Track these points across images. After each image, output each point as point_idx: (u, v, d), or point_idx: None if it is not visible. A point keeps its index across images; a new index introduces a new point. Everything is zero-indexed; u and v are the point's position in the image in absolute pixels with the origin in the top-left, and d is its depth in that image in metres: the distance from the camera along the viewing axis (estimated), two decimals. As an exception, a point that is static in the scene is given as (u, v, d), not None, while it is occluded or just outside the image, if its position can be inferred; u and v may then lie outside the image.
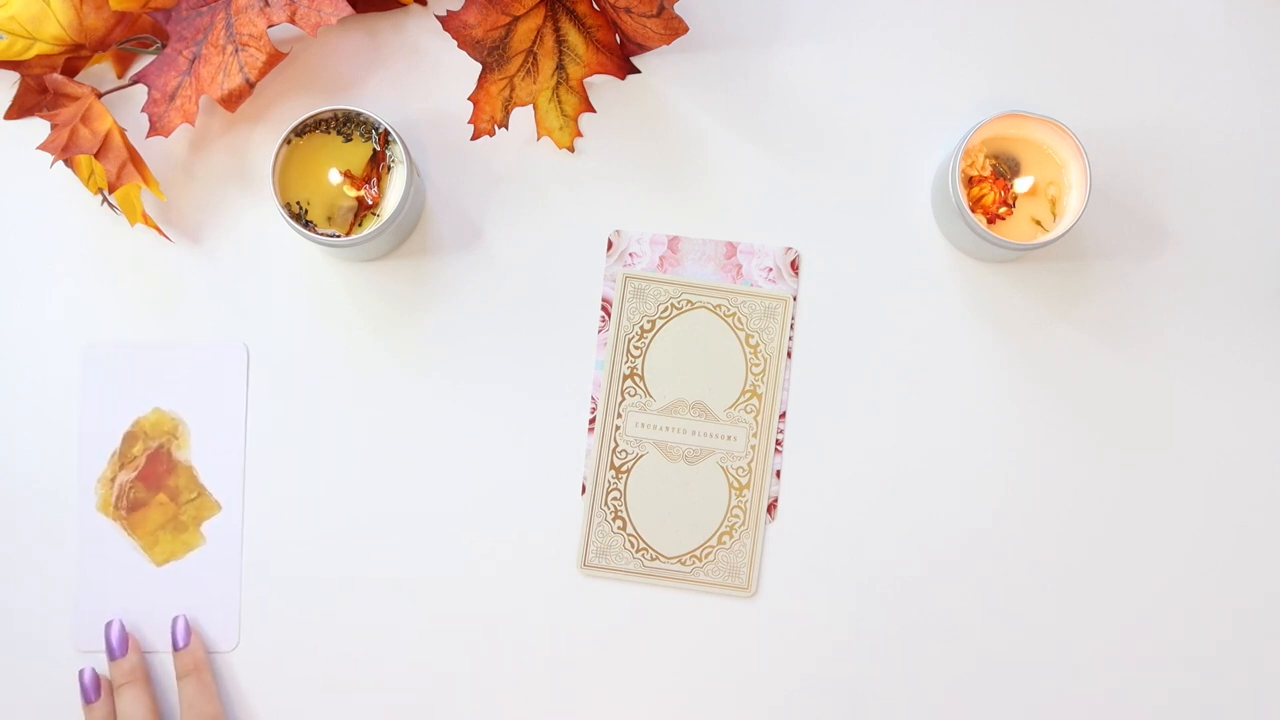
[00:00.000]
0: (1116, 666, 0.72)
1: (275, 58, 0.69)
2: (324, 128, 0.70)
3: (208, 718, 0.69)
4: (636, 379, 0.73)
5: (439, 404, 0.73)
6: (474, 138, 0.72)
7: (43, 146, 0.70)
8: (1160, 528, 0.72)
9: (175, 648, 0.71)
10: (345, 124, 0.70)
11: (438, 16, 0.69)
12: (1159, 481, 0.72)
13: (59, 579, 0.72)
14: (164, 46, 0.72)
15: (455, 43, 0.70)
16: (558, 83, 0.72)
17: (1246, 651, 0.72)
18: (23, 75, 0.73)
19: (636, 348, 0.73)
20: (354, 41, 0.75)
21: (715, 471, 0.73)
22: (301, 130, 0.70)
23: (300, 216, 0.70)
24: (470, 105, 0.74)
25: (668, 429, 0.73)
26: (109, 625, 0.70)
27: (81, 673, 0.70)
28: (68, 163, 0.72)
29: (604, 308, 0.73)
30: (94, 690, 0.69)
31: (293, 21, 0.68)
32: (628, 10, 0.68)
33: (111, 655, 0.70)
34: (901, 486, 0.73)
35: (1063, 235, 0.68)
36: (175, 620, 0.71)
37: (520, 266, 0.74)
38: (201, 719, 0.69)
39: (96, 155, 0.69)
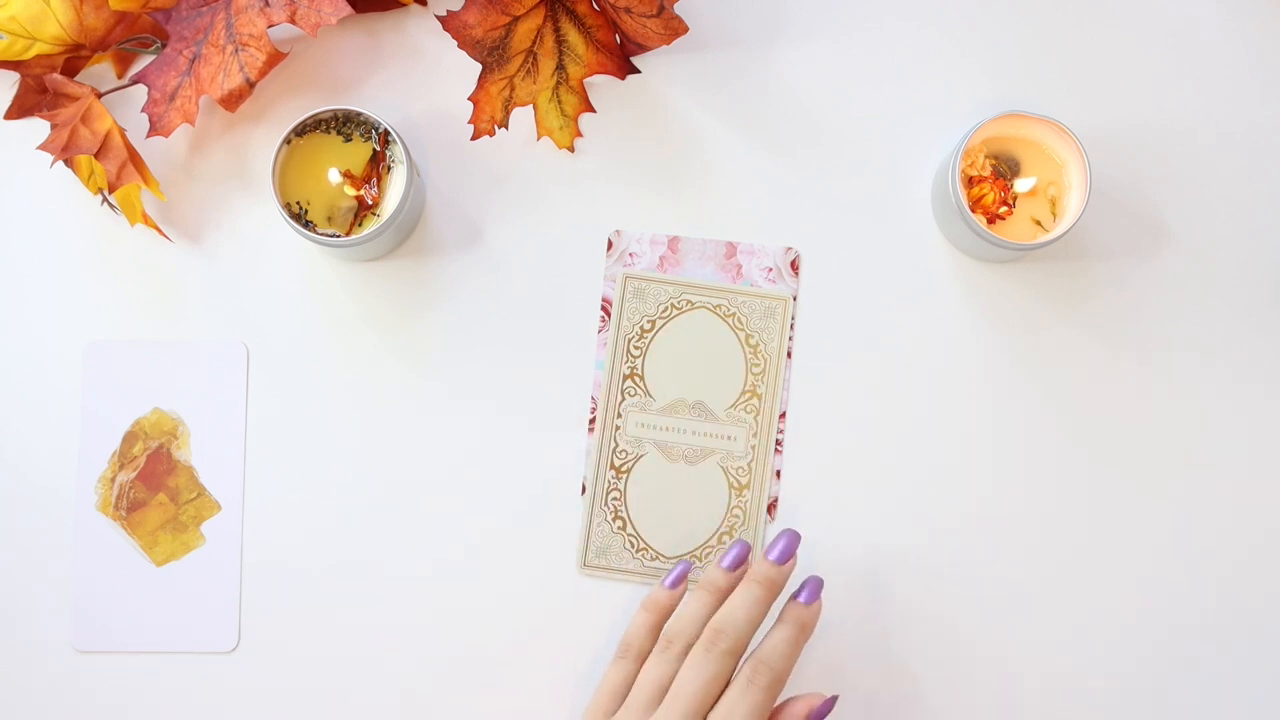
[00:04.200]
0: (1116, 672, 0.72)
1: (275, 58, 0.70)
2: (324, 128, 0.70)
3: (777, 671, 0.61)
4: (636, 379, 0.73)
5: (439, 404, 0.73)
6: (474, 138, 0.72)
7: (43, 146, 0.70)
8: (1161, 526, 0.72)
9: (799, 597, 0.64)
10: (345, 124, 0.70)
11: (438, 16, 0.69)
12: (1160, 481, 0.72)
13: (59, 579, 0.72)
14: (164, 46, 0.72)
15: (455, 43, 0.70)
16: (558, 83, 0.72)
17: (1245, 650, 0.72)
18: (23, 75, 0.73)
19: (636, 348, 0.73)
20: (354, 41, 0.75)
21: (715, 471, 0.73)
22: (301, 130, 0.70)
23: (300, 216, 0.70)
24: (470, 105, 0.74)
25: (668, 429, 0.73)
26: (736, 544, 0.66)
27: (680, 563, 0.67)
28: (68, 163, 0.72)
29: (604, 308, 0.74)
30: (677, 581, 0.66)
31: (293, 21, 0.68)
32: (628, 10, 0.68)
33: (730, 565, 0.65)
34: (902, 486, 0.73)
35: (1063, 235, 0.68)
36: (809, 579, 0.64)
37: (520, 266, 0.74)
38: (770, 667, 0.61)
39: (96, 155, 0.70)
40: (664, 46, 0.72)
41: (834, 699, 0.63)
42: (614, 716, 0.62)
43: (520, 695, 0.72)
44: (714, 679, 0.61)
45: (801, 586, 0.64)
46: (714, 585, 0.65)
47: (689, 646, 0.62)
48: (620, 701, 0.63)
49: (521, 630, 0.72)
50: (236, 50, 0.70)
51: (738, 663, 0.62)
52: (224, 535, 0.72)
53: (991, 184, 0.70)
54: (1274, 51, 0.75)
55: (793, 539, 0.65)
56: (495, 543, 0.72)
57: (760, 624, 0.63)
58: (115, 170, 0.70)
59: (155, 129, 0.71)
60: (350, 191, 0.70)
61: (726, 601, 0.63)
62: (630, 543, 0.72)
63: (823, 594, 0.64)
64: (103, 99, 0.72)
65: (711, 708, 0.61)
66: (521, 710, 0.72)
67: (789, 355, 0.73)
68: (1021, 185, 0.70)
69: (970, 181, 0.70)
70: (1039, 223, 0.70)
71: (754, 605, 0.63)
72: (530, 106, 0.73)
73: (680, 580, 0.66)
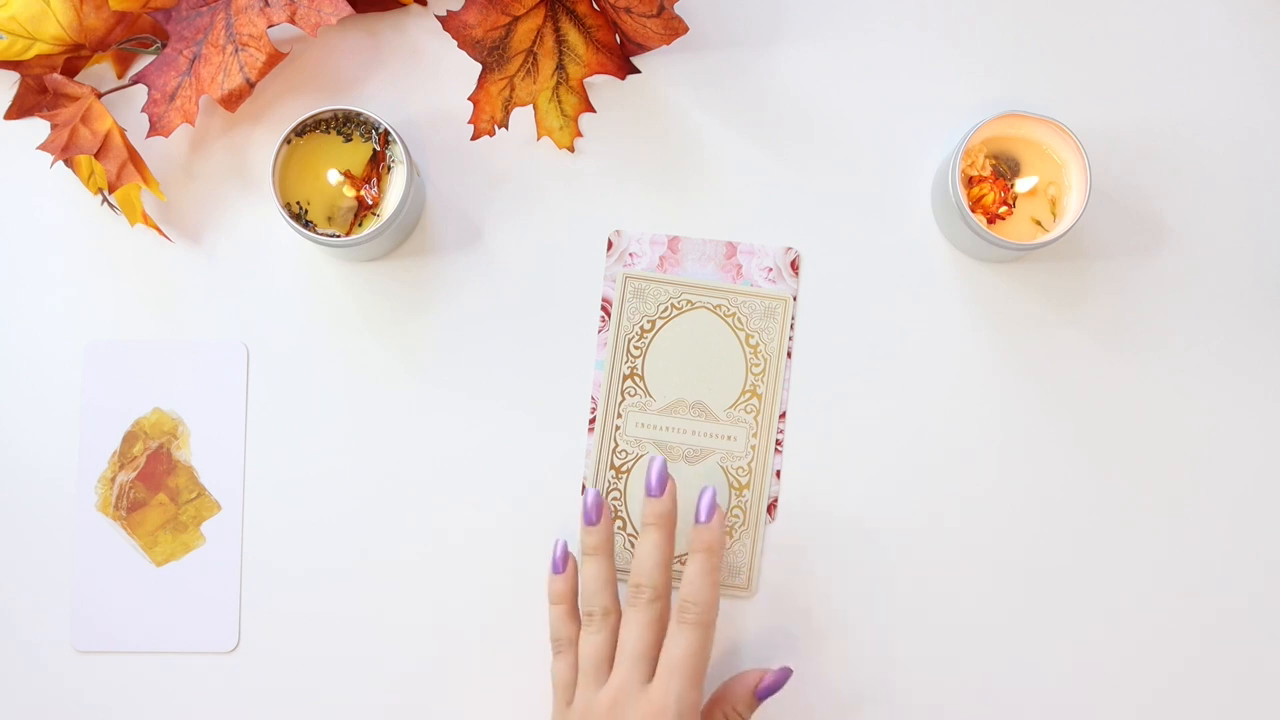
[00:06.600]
0: (1113, 671, 0.72)
1: (275, 58, 0.70)
2: (324, 128, 0.70)
3: (701, 604, 0.63)
4: (636, 379, 0.73)
5: (439, 404, 0.73)
6: (474, 138, 0.72)
7: (43, 146, 0.70)
8: (1161, 525, 0.72)
9: (698, 520, 0.65)
10: (345, 124, 0.70)
11: (438, 16, 0.69)
12: (1160, 480, 0.72)
13: (58, 579, 0.72)
14: (164, 46, 0.72)
15: (455, 43, 0.70)
16: (558, 83, 0.72)
17: (1241, 650, 0.72)
18: (23, 75, 0.73)
19: (636, 348, 0.73)
20: (354, 41, 0.75)
21: (715, 471, 0.73)
22: (301, 130, 0.70)
23: (300, 216, 0.70)
24: (470, 105, 0.74)
25: (668, 429, 0.73)
26: (587, 493, 0.68)
27: (555, 543, 0.68)
28: (68, 163, 0.72)
29: (604, 308, 0.74)
30: (562, 563, 0.68)
31: (293, 21, 0.68)
32: (628, 10, 0.68)
33: (588, 521, 0.67)
34: (902, 486, 0.73)
35: (1063, 235, 0.68)
36: (702, 493, 0.66)
37: (520, 266, 0.74)
38: (694, 603, 0.63)
39: (96, 155, 0.70)
40: (664, 46, 0.72)
41: (787, 671, 0.65)
42: (576, 692, 0.64)
43: (520, 695, 0.72)
44: (650, 625, 0.64)
45: (698, 508, 0.66)
46: (595, 547, 0.67)
47: (607, 611, 0.65)
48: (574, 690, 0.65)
49: (522, 630, 0.72)
50: (236, 50, 0.70)
51: (668, 602, 0.65)
52: (224, 535, 0.72)
53: (991, 184, 0.70)
54: (1275, 52, 0.75)
55: (660, 467, 0.66)
56: (496, 543, 0.72)
57: (670, 558, 0.65)
58: (115, 170, 0.70)
59: (155, 129, 0.71)
60: (350, 191, 0.70)
61: (634, 554, 0.66)
62: (630, 543, 0.72)
63: (719, 505, 0.66)
64: (103, 99, 0.72)
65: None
66: (521, 710, 0.72)
67: (789, 355, 0.73)
68: (1021, 185, 0.70)
69: (970, 181, 0.70)
70: (1039, 223, 0.70)
71: (655, 547, 0.65)
72: (530, 106, 0.73)
73: (565, 561, 0.68)
